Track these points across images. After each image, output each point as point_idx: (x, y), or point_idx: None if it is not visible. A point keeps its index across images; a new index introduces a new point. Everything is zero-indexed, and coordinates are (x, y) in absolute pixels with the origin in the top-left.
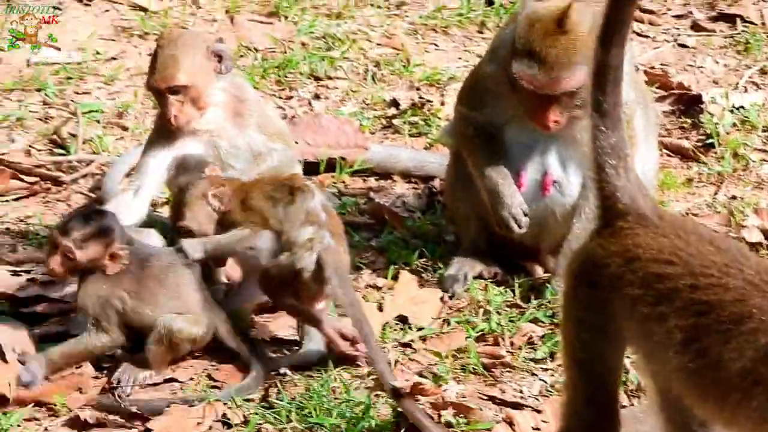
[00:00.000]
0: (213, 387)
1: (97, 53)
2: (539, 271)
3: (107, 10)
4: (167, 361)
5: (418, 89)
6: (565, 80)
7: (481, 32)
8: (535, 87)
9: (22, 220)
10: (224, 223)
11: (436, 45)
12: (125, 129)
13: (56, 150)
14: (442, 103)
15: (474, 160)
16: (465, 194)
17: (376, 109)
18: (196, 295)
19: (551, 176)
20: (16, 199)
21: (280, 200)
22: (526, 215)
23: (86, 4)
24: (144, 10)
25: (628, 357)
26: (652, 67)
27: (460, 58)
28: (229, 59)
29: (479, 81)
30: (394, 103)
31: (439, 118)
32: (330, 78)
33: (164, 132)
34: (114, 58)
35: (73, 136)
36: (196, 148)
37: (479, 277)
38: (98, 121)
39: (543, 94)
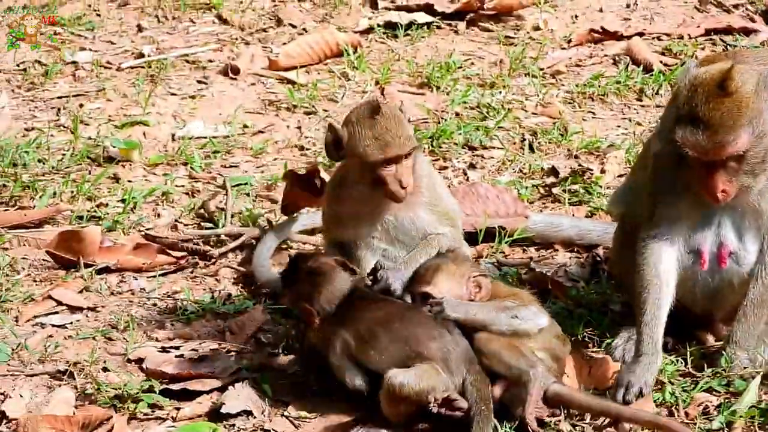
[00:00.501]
0: None
1: (245, 126)
2: (710, 339)
3: (253, 84)
4: (401, 415)
5: (576, 157)
6: (730, 144)
7: (639, 99)
8: (699, 154)
9: (169, 296)
10: None
11: (593, 113)
12: (274, 202)
13: (203, 224)
14: (602, 171)
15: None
16: (632, 262)
17: (534, 178)
18: (433, 344)
19: (728, 248)
20: (163, 275)
21: None
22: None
23: (232, 78)
24: (292, 82)
25: None
26: None
27: (618, 126)
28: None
29: (649, 160)
30: (553, 171)
31: (600, 186)
32: (485, 147)
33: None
34: (261, 131)
35: (221, 210)
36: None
37: None
38: (247, 194)
39: (708, 161)
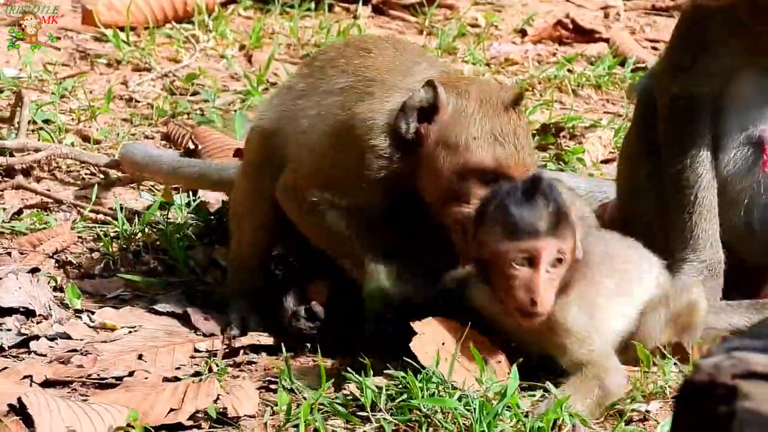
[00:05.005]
0: None
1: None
2: None
3: (58, 38)
4: None
5: (543, 132)
6: None
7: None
8: None
9: None
10: None
11: (562, 103)
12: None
13: None
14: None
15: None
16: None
17: None
18: None
19: None
20: None
21: None
22: None
23: None
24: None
25: None
26: None
27: (600, 119)
28: None
29: (692, 23)
30: None
31: (580, 161)
32: None
33: None
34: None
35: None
36: None
37: None
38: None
39: None
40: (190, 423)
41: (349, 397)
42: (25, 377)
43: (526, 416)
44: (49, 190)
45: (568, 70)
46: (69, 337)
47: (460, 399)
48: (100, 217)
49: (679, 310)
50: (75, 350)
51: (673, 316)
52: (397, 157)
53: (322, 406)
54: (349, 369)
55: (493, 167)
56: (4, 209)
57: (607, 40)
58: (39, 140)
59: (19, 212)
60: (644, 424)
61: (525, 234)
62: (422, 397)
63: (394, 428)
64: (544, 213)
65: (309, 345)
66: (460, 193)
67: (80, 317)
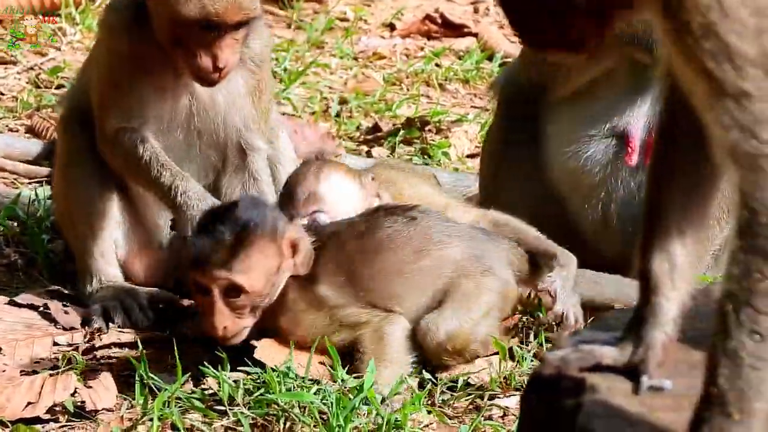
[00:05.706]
0: None
1: None
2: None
3: None
4: None
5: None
6: None
7: None
8: None
9: None
10: None
11: (429, 97)
12: None
13: None
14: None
15: None
16: (512, 176)
17: (346, 140)
18: None
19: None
20: None
21: None
22: None
23: None
24: None
25: None
26: None
27: (466, 113)
28: None
29: None
30: (375, 128)
31: (446, 155)
32: None
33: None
34: None
35: None
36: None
37: None
38: None
39: None
40: (48, 416)
41: (208, 392)
42: None
43: (383, 402)
44: None
45: (436, 65)
46: None
47: (317, 393)
48: None
49: (429, 351)
50: None
51: (427, 354)
52: (139, 33)
53: (179, 401)
54: (206, 363)
55: (203, 16)
56: None
57: (476, 35)
58: None
59: None
60: (504, 420)
61: (196, 266)
62: (280, 391)
63: (251, 422)
64: (218, 245)
65: (169, 331)
66: (184, 45)
67: None
